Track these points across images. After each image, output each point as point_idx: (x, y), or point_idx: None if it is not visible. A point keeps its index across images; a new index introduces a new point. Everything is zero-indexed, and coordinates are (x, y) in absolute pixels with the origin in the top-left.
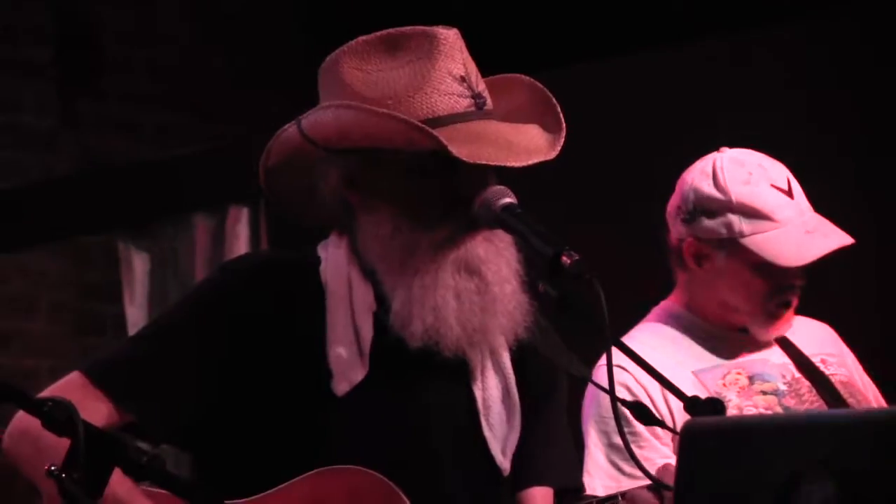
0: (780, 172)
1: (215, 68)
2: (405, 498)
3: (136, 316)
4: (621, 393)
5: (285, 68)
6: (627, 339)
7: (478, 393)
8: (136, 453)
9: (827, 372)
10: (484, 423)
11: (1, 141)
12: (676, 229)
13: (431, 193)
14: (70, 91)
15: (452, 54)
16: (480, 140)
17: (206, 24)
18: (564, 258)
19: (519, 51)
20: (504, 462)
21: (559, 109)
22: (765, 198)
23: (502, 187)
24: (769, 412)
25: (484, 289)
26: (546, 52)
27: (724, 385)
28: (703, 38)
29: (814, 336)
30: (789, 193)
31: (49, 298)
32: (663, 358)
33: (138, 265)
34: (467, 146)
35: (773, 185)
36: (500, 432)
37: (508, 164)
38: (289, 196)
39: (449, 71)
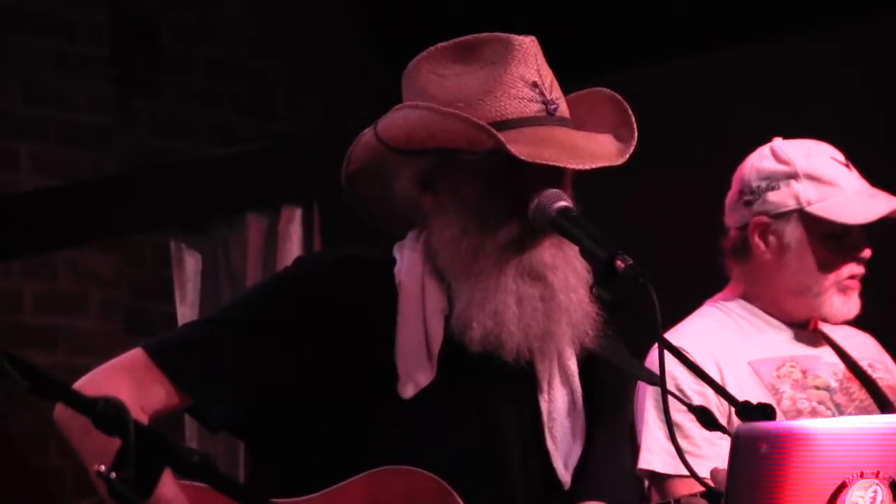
0: (835, 150)
1: (272, 68)
2: (460, 501)
3: (186, 315)
4: (681, 374)
5: (343, 70)
6: (683, 326)
7: (543, 405)
8: (187, 453)
9: (874, 376)
10: (548, 436)
11: (56, 138)
12: (739, 216)
13: (498, 197)
14: (126, 89)
15: (526, 60)
16: (546, 143)
17: (266, 24)
18: (618, 262)
19: (588, 55)
20: (566, 475)
21: (633, 119)
22: (827, 167)
23: (557, 190)
24: (821, 407)
25: (549, 296)
26: (608, 55)
27: (779, 377)
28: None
29: (859, 343)
30: (847, 166)
31: (100, 297)
32: (719, 344)
33: (190, 264)
34: (529, 147)
35: (832, 158)
36: (563, 445)
37: (569, 165)
38: (368, 201)
39: (521, 76)
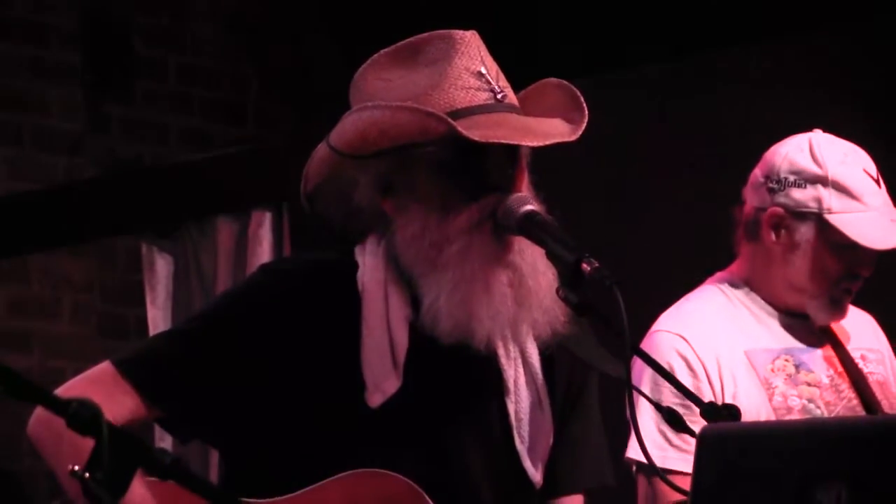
0: (870, 162)
1: (242, 74)
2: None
3: (158, 318)
4: (679, 363)
5: (312, 77)
6: (684, 308)
7: (510, 406)
8: (160, 454)
9: (865, 370)
10: (516, 436)
11: (29, 143)
12: (759, 198)
13: (456, 186)
14: (98, 94)
15: (469, 52)
16: (497, 125)
17: (237, 31)
18: (584, 265)
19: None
20: (536, 475)
21: (582, 100)
22: (858, 180)
23: (524, 194)
24: (811, 405)
25: (518, 281)
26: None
27: (773, 371)
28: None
29: (858, 328)
30: (877, 182)
31: (73, 300)
32: (718, 331)
33: (161, 267)
34: (482, 130)
35: (865, 171)
36: (531, 444)
37: (524, 142)
38: (330, 216)
39: (466, 67)
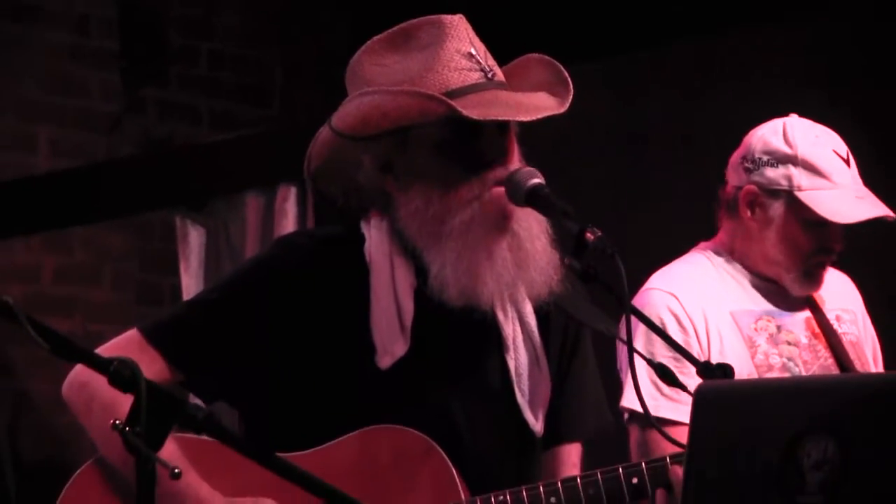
0: (840, 143)
1: (269, 59)
2: (445, 456)
3: (191, 285)
4: (670, 319)
5: (333, 62)
6: (674, 269)
7: (510, 362)
8: (194, 409)
9: (840, 331)
10: (517, 390)
11: (71, 124)
12: (737, 177)
13: (454, 162)
14: (134, 78)
15: (458, 35)
16: (491, 104)
17: (264, 18)
18: (588, 234)
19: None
20: (537, 424)
21: (566, 74)
22: (826, 159)
23: (531, 168)
24: (790, 363)
25: (516, 245)
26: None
27: (756, 330)
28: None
29: (835, 289)
30: (846, 162)
31: (112, 269)
32: (705, 291)
33: (194, 239)
34: (478, 108)
35: (834, 151)
36: (531, 398)
37: (518, 119)
38: (334, 191)
39: (457, 49)
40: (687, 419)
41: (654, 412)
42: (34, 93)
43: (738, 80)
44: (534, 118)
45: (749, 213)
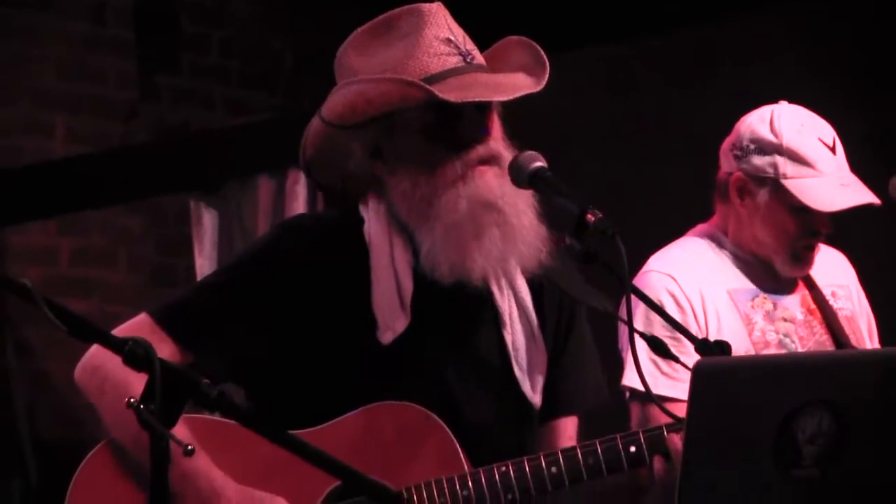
0: (827, 130)
1: (279, 48)
2: (447, 430)
3: (205, 267)
4: (668, 300)
5: (338, 49)
6: (671, 252)
7: (508, 337)
8: (206, 388)
9: (835, 306)
10: (514, 364)
11: (87, 110)
12: (728, 163)
13: (438, 144)
14: (149, 66)
15: (437, 22)
16: (470, 86)
17: (274, 8)
18: (589, 216)
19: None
20: (535, 397)
21: (544, 54)
22: (811, 148)
23: (534, 152)
24: (787, 339)
25: (503, 221)
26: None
27: (753, 307)
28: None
29: (829, 265)
30: (832, 150)
31: (128, 251)
32: (702, 272)
33: (207, 221)
34: (456, 91)
35: (819, 139)
36: (529, 370)
37: (494, 99)
38: (329, 178)
39: (436, 36)
40: (684, 396)
41: (653, 390)
42: (51, 81)
43: (738, 67)
44: (510, 97)
45: (738, 199)
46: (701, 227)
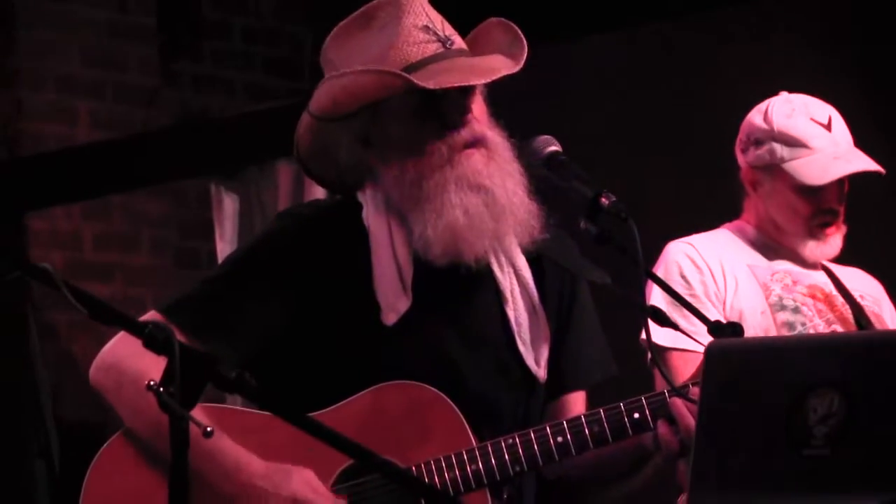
0: (822, 110)
1: (299, 34)
2: (454, 406)
3: (226, 250)
4: (686, 262)
5: None
6: (691, 239)
7: (510, 313)
8: (226, 370)
9: (861, 303)
10: (518, 339)
11: (110, 97)
12: (740, 160)
13: (422, 129)
14: (170, 53)
15: (414, 10)
16: (448, 71)
17: None
18: (603, 199)
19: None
20: (540, 371)
21: (522, 35)
22: (802, 128)
23: (548, 137)
24: (804, 307)
25: (491, 201)
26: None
27: (772, 279)
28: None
29: (858, 279)
30: (827, 127)
31: (150, 235)
32: (723, 251)
33: (228, 206)
34: (435, 78)
35: (811, 119)
36: (532, 345)
37: (471, 81)
38: (325, 170)
39: (413, 24)
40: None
41: (672, 344)
42: (75, 67)
43: (750, 49)
44: (488, 80)
45: (754, 191)
46: (732, 223)
